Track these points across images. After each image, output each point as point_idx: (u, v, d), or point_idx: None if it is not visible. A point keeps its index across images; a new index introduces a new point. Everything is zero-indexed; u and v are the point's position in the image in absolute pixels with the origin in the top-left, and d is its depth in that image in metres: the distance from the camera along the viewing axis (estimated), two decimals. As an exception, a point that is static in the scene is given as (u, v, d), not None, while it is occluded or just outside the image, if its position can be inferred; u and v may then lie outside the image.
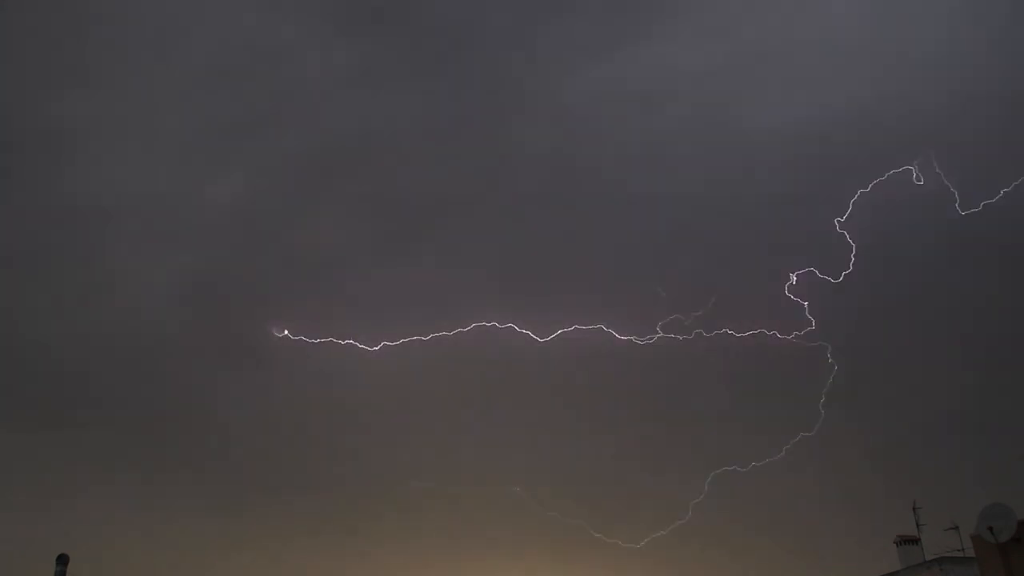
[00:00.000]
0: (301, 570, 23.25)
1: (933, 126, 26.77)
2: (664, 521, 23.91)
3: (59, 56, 28.80)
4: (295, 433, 25.98)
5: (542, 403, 26.87)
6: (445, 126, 30.58)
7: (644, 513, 24.11)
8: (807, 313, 27.41)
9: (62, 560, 16.68)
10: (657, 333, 28.24)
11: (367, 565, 23.44)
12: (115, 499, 23.50)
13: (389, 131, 30.39)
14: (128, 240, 28.65)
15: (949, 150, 26.47)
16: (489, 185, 30.13)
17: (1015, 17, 26.52)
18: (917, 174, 23.91)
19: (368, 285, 29.19)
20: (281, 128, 30.09)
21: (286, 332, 28.38)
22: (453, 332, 28.79)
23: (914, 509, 16.01)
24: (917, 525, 15.93)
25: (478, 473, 25.19)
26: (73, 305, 27.30)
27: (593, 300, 28.80)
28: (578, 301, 28.85)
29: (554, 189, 29.93)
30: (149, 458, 25.01)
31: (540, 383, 27.19)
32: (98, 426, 25.39)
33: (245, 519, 24.19)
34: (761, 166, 28.62)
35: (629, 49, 30.30)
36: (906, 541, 15.88)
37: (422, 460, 25.28)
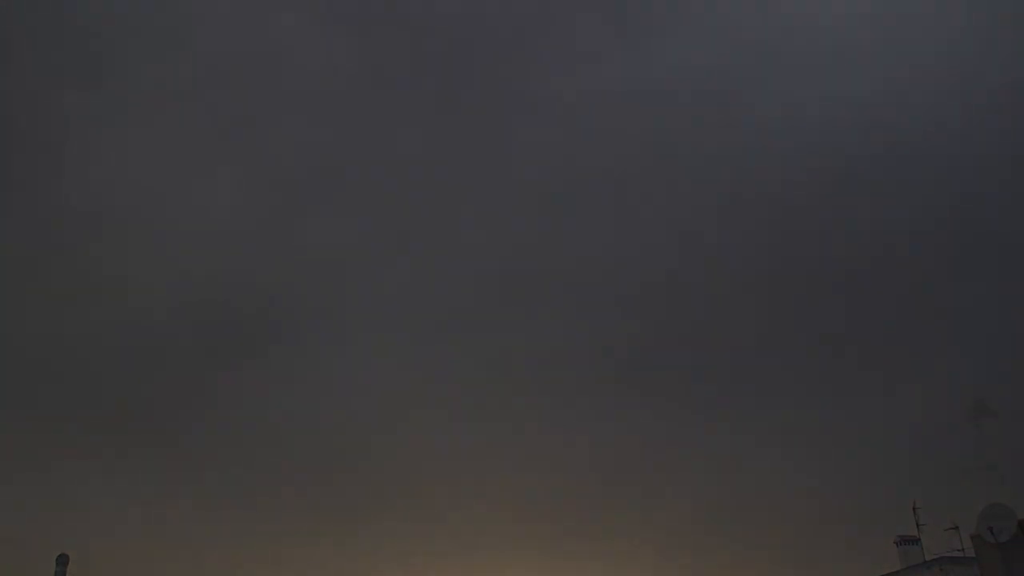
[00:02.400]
0: (303, 568, 23.25)
1: (937, 124, 26.79)
2: (663, 519, 23.96)
3: (60, 56, 28.83)
4: (298, 434, 26.00)
5: (541, 400, 26.92)
6: (446, 124, 30.60)
7: (643, 511, 24.16)
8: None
9: (62, 560, 16.68)
10: (659, 330, 28.30)
11: (370, 561, 23.46)
12: (116, 499, 23.51)
13: (390, 130, 30.41)
14: (129, 240, 28.68)
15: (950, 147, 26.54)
16: (490, 185, 30.14)
17: (1016, 16, 26.54)
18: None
19: (369, 285, 29.22)
20: (283, 128, 30.12)
21: (287, 332, 28.44)
22: (453, 331, 28.86)
23: (914, 509, 15.99)
24: (917, 525, 15.91)
25: (478, 468, 25.23)
26: (75, 305, 27.33)
27: (595, 298, 28.84)
28: (579, 300, 28.90)
29: (556, 189, 29.97)
30: (150, 458, 25.04)
31: (540, 381, 27.23)
32: (99, 426, 25.41)
33: (247, 519, 24.20)
34: (763, 165, 28.66)
35: (632, 47, 30.32)
36: (906, 541, 15.86)
37: (424, 459, 25.32)
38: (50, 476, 23.73)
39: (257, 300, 28.33)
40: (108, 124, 29.31)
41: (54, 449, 24.30)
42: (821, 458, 24.02)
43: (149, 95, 29.70)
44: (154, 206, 29.37)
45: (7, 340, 26.48)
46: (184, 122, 29.87)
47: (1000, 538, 11.23)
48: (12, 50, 28.81)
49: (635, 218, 29.32)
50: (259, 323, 28.42)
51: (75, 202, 28.42)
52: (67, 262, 27.97)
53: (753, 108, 29.16)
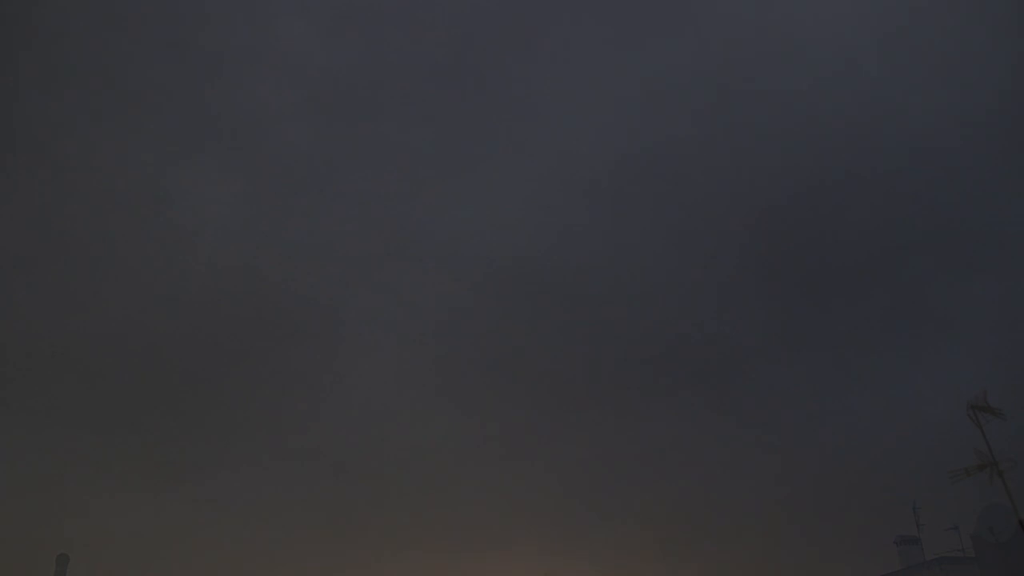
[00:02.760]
0: (304, 567, 23.27)
1: (936, 122, 26.80)
2: (659, 519, 23.98)
3: (59, 56, 28.83)
4: (299, 435, 26.03)
5: (537, 401, 26.95)
6: (448, 124, 30.60)
7: (640, 511, 24.17)
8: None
9: (62, 560, 16.68)
10: (656, 330, 28.34)
11: (372, 558, 23.49)
12: (116, 499, 23.54)
13: (392, 131, 30.42)
14: (129, 239, 28.68)
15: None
16: (489, 185, 30.15)
17: (1016, 18, 26.54)
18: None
19: (368, 285, 29.24)
20: (282, 129, 30.11)
21: (288, 333, 28.43)
22: (452, 332, 28.89)
23: (914, 509, 15.99)
24: (917, 525, 15.91)
25: (471, 467, 25.25)
26: (76, 304, 27.34)
27: (593, 300, 28.87)
28: (578, 301, 28.93)
29: (553, 190, 29.97)
30: (151, 458, 25.06)
31: (535, 381, 27.26)
32: (99, 426, 25.42)
33: (248, 519, 24.23)
34: (760, 166, 28.67)
35: (630, 48, 30.32)
36: (906, 541, 15.86)
37: (420, 457, 25.35)
38: (50, 476, 23.75)
39: (257, 301, 28.37)
40: (108, 123, 29.33)
41: (54, 449, 24.31)
42: (820, 457, 24.05)
43: (150, 94, 29.73)
44: (153, 206, 29.41)
45: (8, 339, 26.50)
46: (183, 122, 29.91)
47: (1000, 538, 11.25)
48: (12, 49, 28.82)
49: (633, 220, 29.37)
50: (260, 324, 28.46)
51: (75, 200, 28.45)
52: (68, 262, 27.99)
53: (751, 109, 29.20)
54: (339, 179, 30.62)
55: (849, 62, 28.71)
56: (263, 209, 29.72)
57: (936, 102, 27.04)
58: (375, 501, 24.86)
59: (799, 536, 22.39)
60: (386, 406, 26.76)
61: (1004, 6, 26.74)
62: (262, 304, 28.31)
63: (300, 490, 24.80)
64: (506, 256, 29.10)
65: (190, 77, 29.79)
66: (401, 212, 30.00)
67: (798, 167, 28.40)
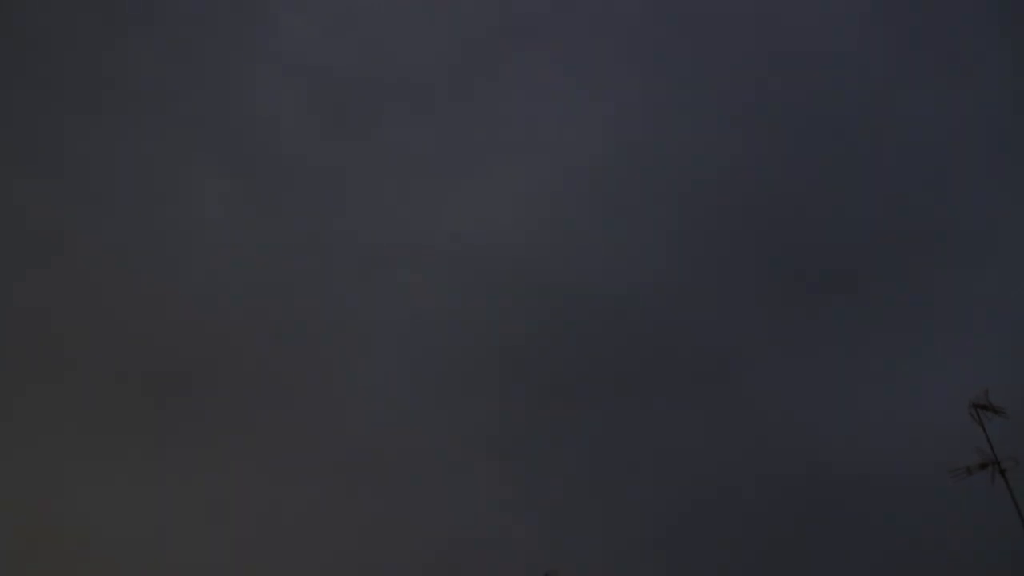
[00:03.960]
0: (307, 569, 23.28)
1: (934, 119, 26.89)
2: (652, 518, 24.03)
3: (57, 56, 28.88)
4: (297, 432, 26.08)
5: (528, 405, 27.03)
6: (450, 124, 30.68)
7: (636, 510, 24.22)
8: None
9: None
10: (652, 331, 28.40)
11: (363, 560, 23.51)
12: (115, 498, 23.54)
13: (393, 130, 30.52)
14: (128, 239, 28.75)
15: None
16: (487, 186, 30.23)
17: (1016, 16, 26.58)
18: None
19: (369, 287, 29.33)
20: (284, 127, 30.19)
21: (288, 335, 28.53)
22: (451, 332, 28.94)
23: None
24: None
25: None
26: (75, 302, 27.37)
27: (591, 301, 28.94)
28: (579, 303, 28.99)
29: (553, 190, 30.05)
30: (151, 458, 25.08)
31: (527, 381, 27.35)
32: (99, 425, 25.47)
33: (251, 520, 24.24)
34: (754, 164, 28.76)
35: (635, 50, 30.38)
36: (906, 540, 15.86)
37: (418, 452, 25.41)
38: (50, 475, 23.75)
39: (256, 302, 28.37)
40: (108, 122, 29.33)
41: (54, 449, 24.31)
42: (819, 457, 24.05)
43: (149, 95, 29.72)
44: (149, 207, 29.43)
45: (9, 337, 26.54)
46: (183, 121, 29.91)
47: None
48: (13, 48, 28.82)
49: (632, 219, 29.38)
50: (259, 325, 28.45)
51: (75, 200, 28.46)
52: (62, 259, 27.98)
53: (750, 110, 29.21)
54: (339, 179, 30.69)
55: (851, 62, 28.80)
56: (262, 209, 29.78)
57: (937, 97, 27.11)
58: (373, 500, 24.91)
59: (798, 536, 22.42)
60: (386, 406, 26.84)
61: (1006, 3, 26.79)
62: (261, 305, 28.40)
63: (300, 491, 24.85)
64: (506, 256, 29.17)
65: (190, 77, 29.88)
66: (401, 212, 30.07)
67: (798, 166, 28.47)
